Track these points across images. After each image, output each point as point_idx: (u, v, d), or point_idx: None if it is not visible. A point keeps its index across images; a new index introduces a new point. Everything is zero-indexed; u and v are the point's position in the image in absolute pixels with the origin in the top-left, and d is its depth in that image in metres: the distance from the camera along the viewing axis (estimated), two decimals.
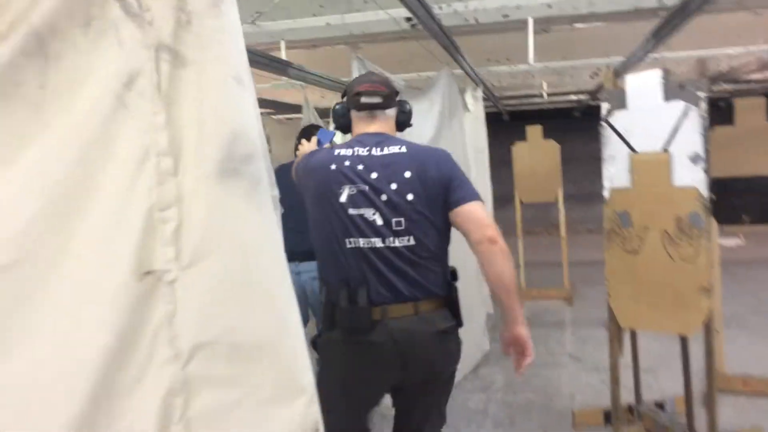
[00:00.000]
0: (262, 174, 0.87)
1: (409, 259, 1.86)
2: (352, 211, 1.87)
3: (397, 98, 2.08)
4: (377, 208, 1.86)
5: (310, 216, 1.98)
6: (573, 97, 9.45)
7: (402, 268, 1.85)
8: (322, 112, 6.52)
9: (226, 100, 0.81)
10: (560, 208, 6.06)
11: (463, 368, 4.01)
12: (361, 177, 1.88)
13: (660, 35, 3.91)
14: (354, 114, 2.05)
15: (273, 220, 0.90)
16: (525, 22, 4.45)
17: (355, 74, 2.95)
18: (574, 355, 4.46)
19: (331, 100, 6.53)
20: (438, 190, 1.87)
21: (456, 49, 4.09)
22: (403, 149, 1.92)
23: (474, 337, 4.23)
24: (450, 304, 1.94)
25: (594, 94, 8.21)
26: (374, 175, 1.88)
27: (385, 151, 1.92)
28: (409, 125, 2.14)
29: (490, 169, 5.44)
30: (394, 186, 1.87)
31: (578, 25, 4.67)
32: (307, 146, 2.34)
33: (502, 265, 1.80)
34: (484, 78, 5.56)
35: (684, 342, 2.78)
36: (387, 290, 1.85)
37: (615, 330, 2.72)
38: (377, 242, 1.85)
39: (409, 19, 3.84)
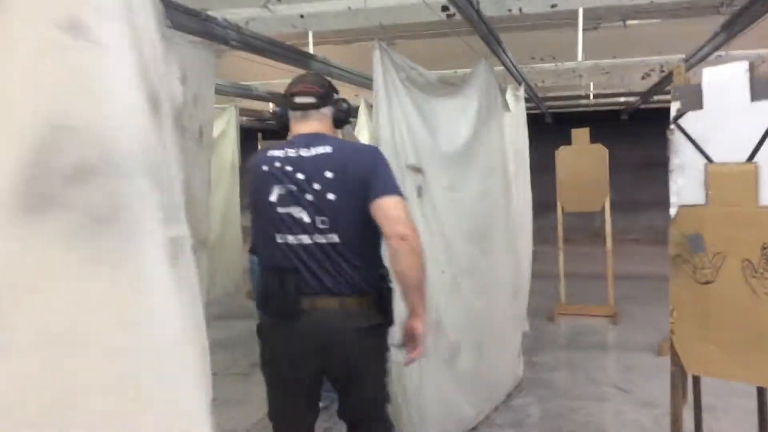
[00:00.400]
0: (128, 202, 0.50)
1: (335, 255, 1.95)
2: (281, 210, 1.97)
3: (335, 97, 2.14)
4: (303, 207, 1.95)
5: (250, 212, 2.09)
6: (621, 99, 8.89)
7: (327, 264, 1.95)
8: (354, 112, 6.19)
9: (44, 68, 0.45)
10: (607, 219, 5.57)
11: (493, 398, 3.59)
12: (289, 177, 1.97)
13: (732, 28, 3.43)
14: (291, 114, 2.11)
15: (156, 282, 0.53)
16: (574, 15, 4.04)
17: (378, 66, 2.62)
18: (620, 387, 3.99)
19: (361, 99, 6.22)
20: (359, 187, 1.93)
21: (497, 41, 3.67)
22: (328, 149, 1.99)
23: (506, 362, 3.82)
24: (380, 302, 2.01)
25: (645, 95, 7.66)
26: (300, 176, 1.96)
27: (312, 152, 1.98)
28: (348, 122, 2.24)
29: (529, 175, 5.00)
30: (317, 186, 1.95)
31: (630, 22, 4.25)
32: None
33: (410, 262, 1.88)
34: (526, 76, 5.14)
35: (762, 394, 2.32)
36: (315, 283, 1.95)
37: (678, 374, 2.28)
38: (305, 239, 1.95)
39: (445, 8, 3.46)
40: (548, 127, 8.91)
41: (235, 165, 5.85)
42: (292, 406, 2.09)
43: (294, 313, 1.95)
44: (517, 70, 4.52)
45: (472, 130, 3.38)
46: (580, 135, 5.68)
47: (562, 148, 5.74)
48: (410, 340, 1.98)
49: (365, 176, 1.94)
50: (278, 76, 5.57)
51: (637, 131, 9.83)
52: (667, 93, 7.66)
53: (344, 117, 2.18)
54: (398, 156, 2.87)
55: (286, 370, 2.03)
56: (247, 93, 5.39)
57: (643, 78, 7.16)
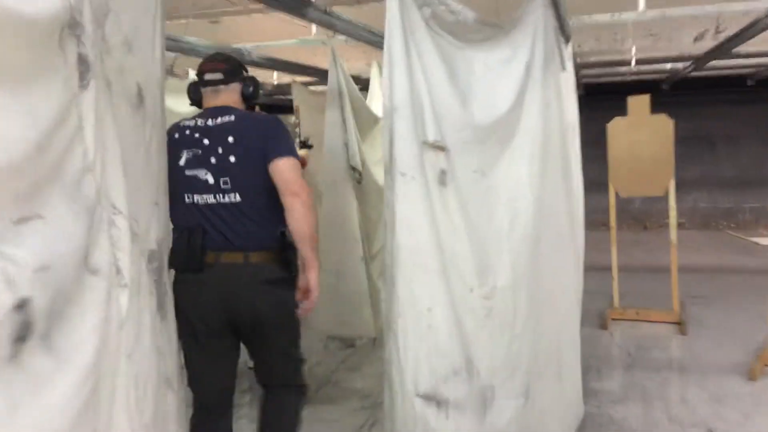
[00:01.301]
0: None
1: (237, 213, 2.14)
2: (188, 173, 2.17)
3: (243, 75, 2.34)
4: (208, 169, 2.15)
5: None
6: (668, 66, 7.83)
7: (231, 221, 2.14)
8: (364, 82, 5.23)
9: None
10: (672, 204, 4.61)
11: None
12: (196, 143, 2.18)
13: None
14: (202, 90, 2.30)
15: None
16: None
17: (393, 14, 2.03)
18: (711, 427, 3.06)
19: (373, 64, 5.30)
20: (257, 151, 2.14)
21: None
22: (231, 118, 2.19)
23: (566, 396, 2.90)
24: (282, 256, 2.19)
25: (701, 60, 6.63)
26: (206, 141, 2.17)
27: (218, 121, 2.19)
28: (256, 98, 2.36)
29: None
30: (220, 150, 2.15)
31: None
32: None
33: (301, 215, 2.11)
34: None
35: None
36: (220, 239, 2.13)
37: None
38: (209, 198, 2.15)
39: None
40: (579, 100, 7.84)
41: None
42: (205, 360, 2.20)
43: (199, 266, 2.11)
44: (567, 22, 3.55)
45: (514, 95, 2.44)
46: (638, 104, 4.68)
47: (615, 120, 4.75)
48: (305, 292, 2.20)
49: (263, 141, 2.14)
50: (275, 36, 4.70)
51: (681, 102, 8.76)
52: (725, 57, 6.70)
53: (252, 93, 2.33)
54: (416, 130, 2.12)
55: (194, 320, 2.13)
56: (238, 57, 4.43)
57: (695, 40, 6.16)
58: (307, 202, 2.10)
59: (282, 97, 8.21)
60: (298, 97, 4.45)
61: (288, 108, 4.78)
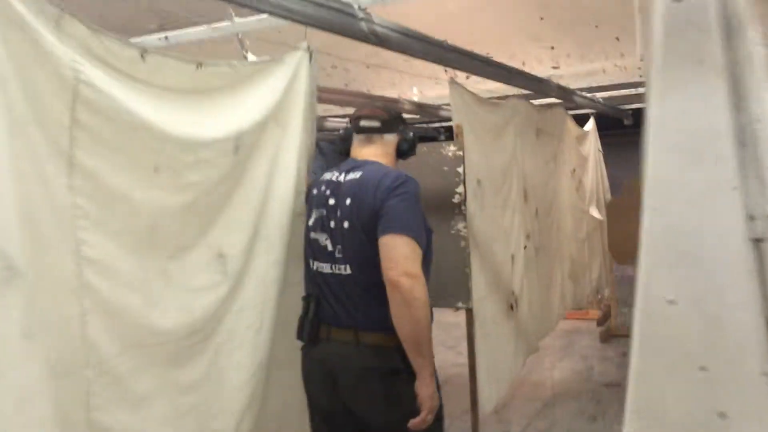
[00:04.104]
0: None
1: (349, 287, 1.90)
2: (313, 235, 2.01)
3: (402, 126, 2.12)
4: (328, 234, 1.95)
5: None
6: None
7: (342, 294, 1.91)
8: None
9: None
10: None
11: None
12: (324, 202, 1.99)
13: None
14: (354, 137, 2.10)
15: None
16: None
17: None
18: None
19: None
20: (371, 219, 1.85)
21: None
22: (357, 175, 1.95)
23: None
24: (401, 344, 1.80)
25: None
26: (332, 201, 1.97)
27: (349, 176, 1.96)
28: (412, 154, 2.15)
29: None
30: (339, 213, 1.94)
31: None
32: None
33: (401, 313, 1.74)
34: None
35: None
36: (331, 313, 1.93)
37: None
38: (326, 267, 1.95)
39: None
40: None
41: None
42: None
43: (312, 339, 1.95)
44: None
45: None
46: None
47: None
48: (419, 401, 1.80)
49: (377, 207, 1.84)
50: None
51: None
52: None
53: (408, 147, 2.13)
54: None
55: (310, 395, 2.02)
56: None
57: None
58: (408, 296, 1.71)
59: (427, 123, 6.52)
60: (459, 109, 2.90)
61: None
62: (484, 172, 3.14)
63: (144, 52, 1.48)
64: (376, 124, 2.06)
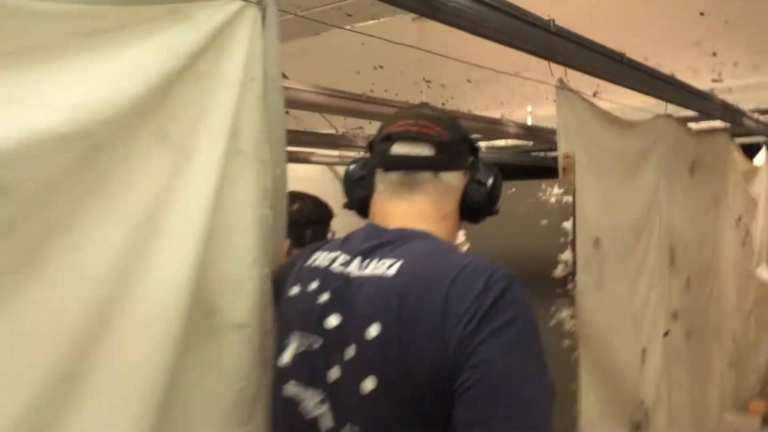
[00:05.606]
0: None
1: None
2: (289, 390, 0.96)
3: (472, 155, 1.09)
4: (327, 393, 0.92)
5: None
6: None
7: None
8: None
9: None
10: None
11: None
12: (319, 320, 0.95)
13: None
14: (379, 177, 1.06)
15: None
16: None
17: None
18: None
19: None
20: (434, 376, 0.82)
21: None
22: (392, 268, 0.91)
23: None
24: None
25: None
26: (335, 321, 0.93)
27: (371, 269, 0.93)
28: (491, 212, 1.11)
29: None
30: (351, 352, 0.90)
31: None
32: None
33: None
34: None
35: None
36: None
37: None
38: None
39: None
40: None
41: None
42: None
43: None
44: None
45: None
46: None
47: None
48: None
49: (456, 349, 0.81)
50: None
51: None
52: None
53: (485, 198, 1.07)
54: None
55: None
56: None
57: None
58: None
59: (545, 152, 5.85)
60: (570, 130, 1.92)
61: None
62: (607, 226, 2.06)
63: None
64: (426, 150, 1.02)
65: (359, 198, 1.09)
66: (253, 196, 0.98)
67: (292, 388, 0.96)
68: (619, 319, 2.13)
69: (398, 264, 0.91)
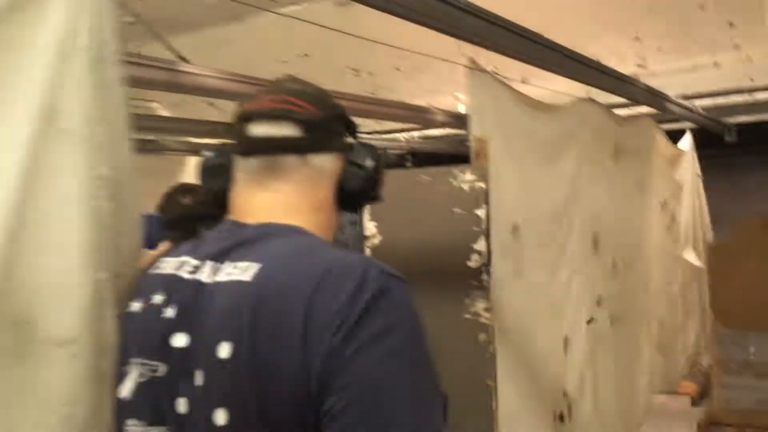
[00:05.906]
0: None
1: None
2: (129, 430, 0.81)
3: (348, 134, 0.96)
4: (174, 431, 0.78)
5: None
6: None
7: None
8: None
9: None
10: None
11: None
12: (163, 341, 0.80)
13: None
14: (238, 165, 0.91)
15: None
16: None
17: None
18: None
19: None
20: (296, 402, 0.70)
21: None
22: (248, 273, 0.77)
23: None
24: None
25: None
26: (182, 341, 0.79)
27: (224, 274, 0.79)
28: (373, 199, 0.98)
29: None
30: (199, 378, 0.76)
31: None
32: None
33: None
34: None
35: None
36: None
37: None
38: None
39: None
40: None
41: None
42: None
43: None
44: None
45: None
46: None
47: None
48: None
49: (320, 369, 0.68)
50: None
51: None
52: None
53: (365, 184, 0.93)
54: None
55: None
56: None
57: None
58: None
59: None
60: (483, 112, 1.81)
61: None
62: (526, 213, 1.99)
63: None
64: (289, 130, 0.88)
65: (216, 190, 0.94)
66: (82, 185, 0.82)
67: (132, 429, 0.81)
68: (539, 308, 2.06)
69: (256, 267, 0.77)
